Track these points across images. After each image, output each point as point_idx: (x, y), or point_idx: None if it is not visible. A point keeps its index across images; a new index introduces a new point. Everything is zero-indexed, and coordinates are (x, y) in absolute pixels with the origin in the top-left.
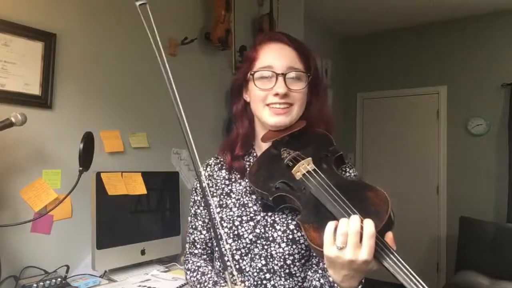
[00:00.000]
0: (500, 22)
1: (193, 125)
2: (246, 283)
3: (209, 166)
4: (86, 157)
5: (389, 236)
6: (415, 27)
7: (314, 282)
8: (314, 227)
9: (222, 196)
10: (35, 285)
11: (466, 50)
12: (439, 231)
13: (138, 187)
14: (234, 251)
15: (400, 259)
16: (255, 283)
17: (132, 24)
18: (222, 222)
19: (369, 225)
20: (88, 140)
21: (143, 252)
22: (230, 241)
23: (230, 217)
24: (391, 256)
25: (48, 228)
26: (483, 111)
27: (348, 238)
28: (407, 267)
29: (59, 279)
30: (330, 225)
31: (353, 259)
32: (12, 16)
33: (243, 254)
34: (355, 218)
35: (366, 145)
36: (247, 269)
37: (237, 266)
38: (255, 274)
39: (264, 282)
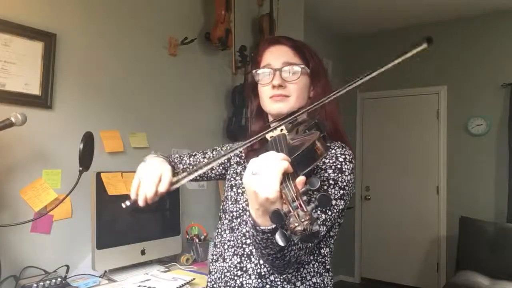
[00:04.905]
0: (500, 22)
1: (193, 125)
2: (231, 243)
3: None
4: (86, 157)
5: (299, 180)
6: (415, 27)
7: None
8: None
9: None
10: (35, 285)
11: (466, 50)
12: (439, 231)
13: None
14: (232, 213)
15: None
16: (238, 245)
17: (132, 24)
18: (234, 187)
19: (278, 159)
20: (88, 140)
21: (143, 252)
22: (229, 203)
23: (238, 185)
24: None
25: (48, 228)
26: (483, 111)
27: (262, 167)
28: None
29: (59, 279)
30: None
31: (257, 191)
32: (12, 16)
33: (235, 217)
34: (271, 152)
35: (366, 145)
36: (235, 231)
37: (231, 225)
38: (239, 237)
39: (244, 246)
